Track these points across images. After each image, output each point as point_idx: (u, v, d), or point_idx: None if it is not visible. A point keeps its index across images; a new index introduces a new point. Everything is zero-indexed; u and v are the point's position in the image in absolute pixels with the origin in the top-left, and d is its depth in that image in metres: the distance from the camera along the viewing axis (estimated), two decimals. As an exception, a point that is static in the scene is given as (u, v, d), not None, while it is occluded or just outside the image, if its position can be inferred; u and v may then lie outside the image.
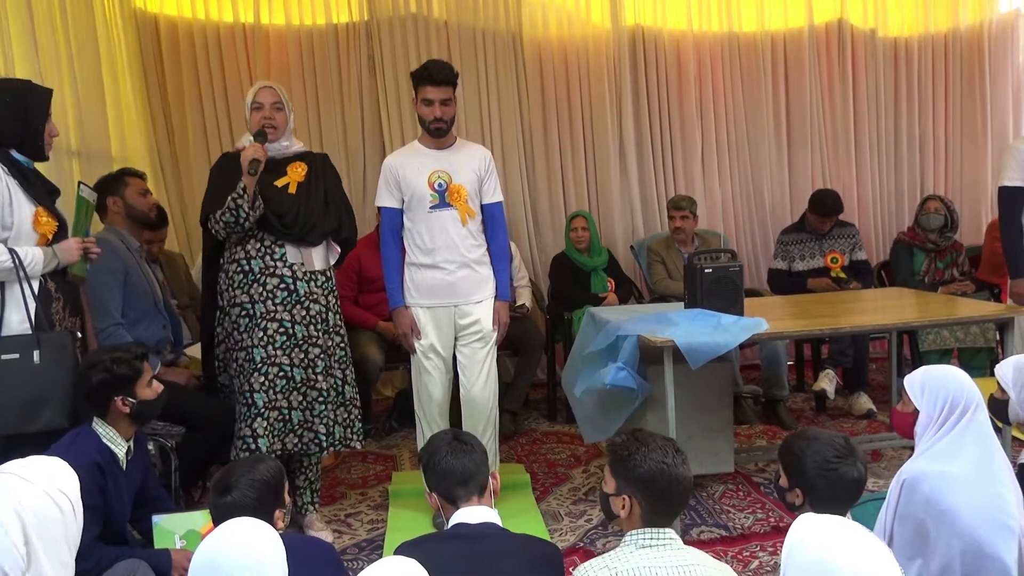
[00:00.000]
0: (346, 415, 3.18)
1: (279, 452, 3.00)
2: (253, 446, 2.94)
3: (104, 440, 2.40)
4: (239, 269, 3.05)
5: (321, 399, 3.09)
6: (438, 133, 3.28)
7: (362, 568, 1.64)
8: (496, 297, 3.38)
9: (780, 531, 3.07)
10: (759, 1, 5.55)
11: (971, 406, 2.07)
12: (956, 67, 5.79)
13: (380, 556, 3.01)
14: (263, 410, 2.98)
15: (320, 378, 3.08)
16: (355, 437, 3.21)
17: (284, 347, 3.02)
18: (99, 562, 2.22)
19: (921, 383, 2.15)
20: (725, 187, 5.62)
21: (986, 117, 5.80)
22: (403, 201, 3.30)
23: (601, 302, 4.56)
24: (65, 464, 1.73)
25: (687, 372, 2.96)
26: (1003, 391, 2.41)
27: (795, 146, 5.68)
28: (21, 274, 2.42)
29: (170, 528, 2.53)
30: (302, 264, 3.08)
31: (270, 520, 1.88)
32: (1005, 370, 2.40)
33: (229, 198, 2.95)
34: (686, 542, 1.83)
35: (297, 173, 3.11)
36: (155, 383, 2.49)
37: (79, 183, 2.77)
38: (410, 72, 3.38)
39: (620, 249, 5.32)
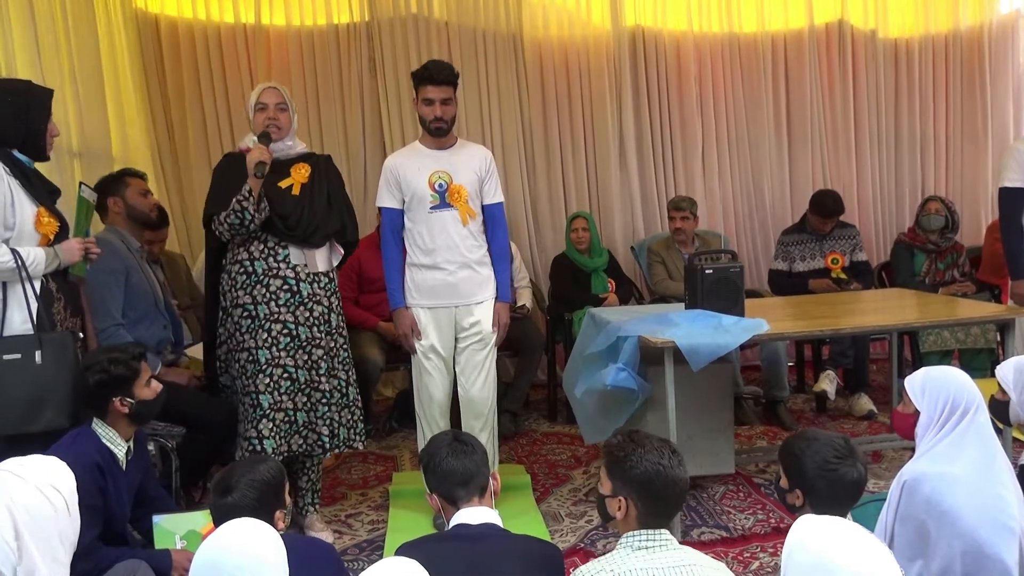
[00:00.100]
0: (349, 416, 3.18)
1: (285, 454, 3.00)
2: (259, 447, 2.94)
3: (104, 440, 2.40)
4: (242, 270, 3.04)
5: (324, 400, 3.09)
6: (439, 133, 3.28)
7: (363, 569, 1.65)
8: (497, 298, 3.38)
9: (781, 532, 3.07)
10: (759, 2, 5.55)
11: (972, 407, 2.07)
12: (956, 68, 5.79)
13: (380, 557, 3.02)
14: (269, 411, 2.98)
15: (323, 380, 3.08)
16: (357, 438, 3.21)
17: (288, 349, 3.01)
18: (99, 562, 2.22)
19: (922, 384, 2.15)
20: (725, 188, 5.62)
21: (986, 118, 5.79)
22: (404, 201, 3.30)
23: (601, 303, 4.55)
24: (60, 462, 1.73)
25: (688, 373, 2.96)
26: (1004, 392, 2.42)
27: (795, 147, 5.68)
28: (23, 274, 2.42)
29: (170, 528, 2.53)
30: (305, 266, 3.07)
31: (271, 521, 1.88)
32: (1006, 371, 2.41)
33: (234, 200, 2.93)
34: (687, 543, 1.83)
35: (301, 174, 3.09)
36: (154, 383, 2.49)
37: (80, 183, 2.77)
38: (411, 72, 3.38)
39: (620, 250, 5.33)
